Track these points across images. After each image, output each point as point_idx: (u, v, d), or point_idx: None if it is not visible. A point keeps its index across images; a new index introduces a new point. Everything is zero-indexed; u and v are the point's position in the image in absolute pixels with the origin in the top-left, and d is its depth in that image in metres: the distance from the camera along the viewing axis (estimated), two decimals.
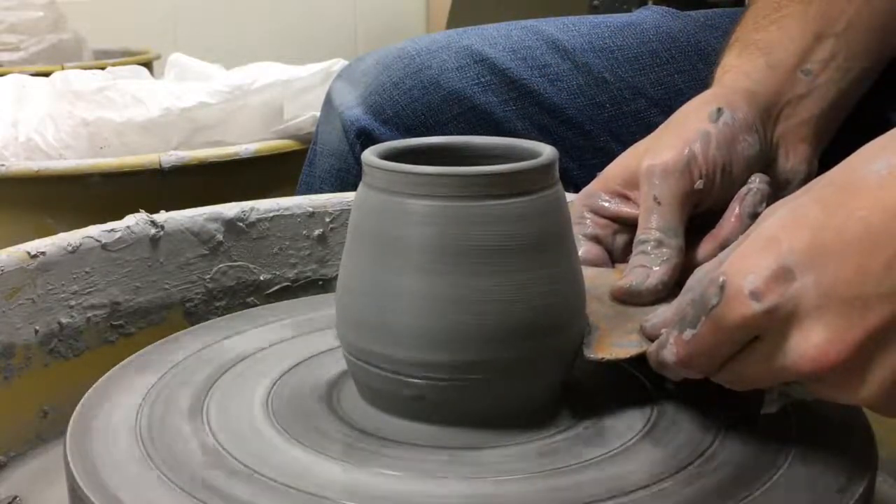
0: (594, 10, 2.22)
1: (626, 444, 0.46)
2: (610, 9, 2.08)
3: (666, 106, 0.83)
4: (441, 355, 0.46)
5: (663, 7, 0.93)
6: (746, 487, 0.42)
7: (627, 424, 0.48)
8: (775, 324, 0.40)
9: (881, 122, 0.66)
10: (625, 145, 0.85)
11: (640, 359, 0.49)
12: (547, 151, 0.49)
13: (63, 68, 1.56)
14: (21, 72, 1.47)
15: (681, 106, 0.83)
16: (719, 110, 0.59)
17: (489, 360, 0.46)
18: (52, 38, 2.17)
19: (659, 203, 0.56)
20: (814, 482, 0.43)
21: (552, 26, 0.89)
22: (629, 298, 0.54)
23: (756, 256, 0.41)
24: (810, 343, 0.39)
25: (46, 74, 1.38)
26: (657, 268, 0.55)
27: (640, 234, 0.57)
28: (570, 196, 0.68)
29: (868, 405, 0.41)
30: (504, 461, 0.45)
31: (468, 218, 0.45)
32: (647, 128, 0.84)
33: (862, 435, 0.47)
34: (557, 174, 0.49)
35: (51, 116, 1.22)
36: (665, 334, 0.46)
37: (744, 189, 0.57)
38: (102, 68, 1.52)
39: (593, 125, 0.85)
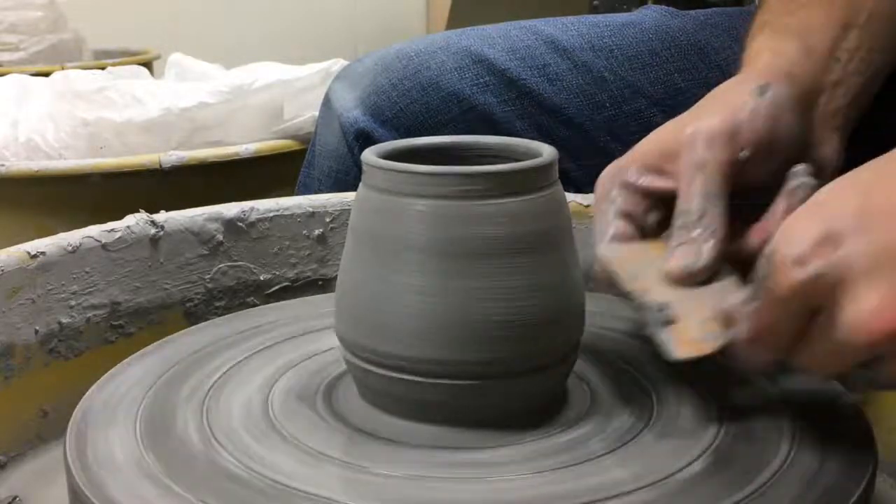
0: (594, 9, 2.22)
1: (627, 444, 0.46)
2: (610, 8, 2.08)
3: (666, 105, 0.83)
4: (441, 355, 0.46)
5: (663, 6, 0.93)
6: (747, 487, 0.42)
7: (628, 424, 0.48)
8: (825, 291, 0.39)
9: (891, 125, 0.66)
10: (625, 145, 0.84)
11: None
12: (547, 151, 0.49)
13: (63, 68, 1.57)
14: (21, 72, 1.47)
15: (681, 105, 0.82)
16: (764, 86, 0.57)
17: (489, 360, 0.46)
18: (52, 38, 2.17)
19: (702, 169, 0.54)
20: (814, 482, 0.43)
21: (551, 26, 0.89)
22: (687, 280, 0.52)
23: (802, 223, 0.40)
24: (863, 309, 0.38)
25: (46, 74, 1.38)
26: (706, 243, 0.52)
27: (682, 203, 0.54)
28: (569, 196, 0.68)
29: None
30: (505, 461, 0.45)
31: (468, 218, 0.45)
32: (646, 127, 0.84)
33: (862, 435, 0.47)
34: (557, 174, 0.49)
35: (51, 116, 1.22)
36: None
37: (793, 183, 0.56)
38: (102, 68, 1.52)
39: (593, 125, 0.85)
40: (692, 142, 0.55)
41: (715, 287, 0.51)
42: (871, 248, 0.38)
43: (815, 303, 0.40)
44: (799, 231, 0.40)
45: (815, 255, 0.39)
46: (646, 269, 0.53)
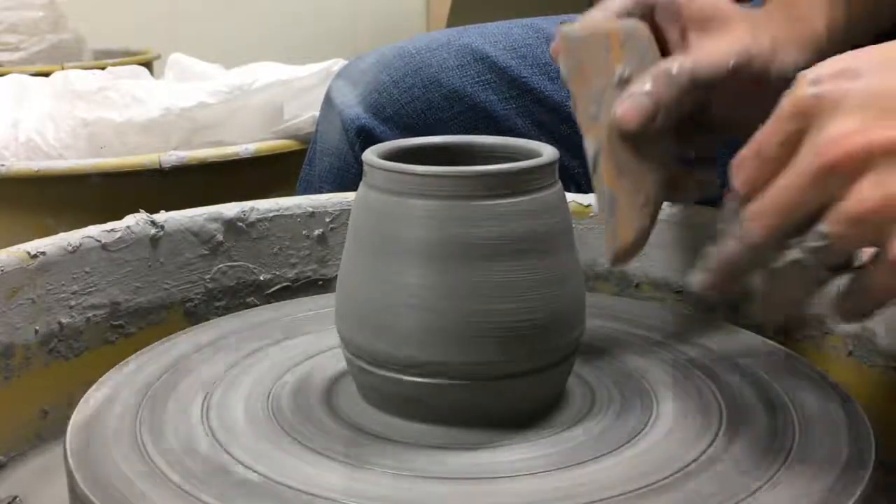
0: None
1: (626, 445, 0.46)
2: None
3: None
4: (441, 355, 0.46)
5: None
6: (746, 487, 0.42)
7: (628, 424, 0.48)
8: (819, 112, 0.41)
9: None
10: None
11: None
12: (547, 151, 0.49)
13: (63, 68, 1.56)
14: (21, 72, 1.47)
15: None
16: None
17: (489, 361, 0.46)
18: (52, 38, 2.17)
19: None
20: (813, 483, 0.43)
21: (552, 24, 0.89)
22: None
23: (832, 61, 0.42)
24: (839, 130, 0.40)
25: (46, 74, 1.38)
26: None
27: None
28: (569, 196, 0.68)
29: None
30: (505, 461, 0.45)
31: (468, 218, 0.45)
32: None
33: (861, 435, 0.47)
34: (557, 174, 0.49)
35: (51, 116, 1.22)
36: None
37: None
38: (102, 68, 1.51)
39: None
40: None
41: None
42: (879, 87, 0.40)
43: (807, 124, 0.41)
44: (827, 64, 0.42)
45: (830, 81, 0.41)
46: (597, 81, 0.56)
